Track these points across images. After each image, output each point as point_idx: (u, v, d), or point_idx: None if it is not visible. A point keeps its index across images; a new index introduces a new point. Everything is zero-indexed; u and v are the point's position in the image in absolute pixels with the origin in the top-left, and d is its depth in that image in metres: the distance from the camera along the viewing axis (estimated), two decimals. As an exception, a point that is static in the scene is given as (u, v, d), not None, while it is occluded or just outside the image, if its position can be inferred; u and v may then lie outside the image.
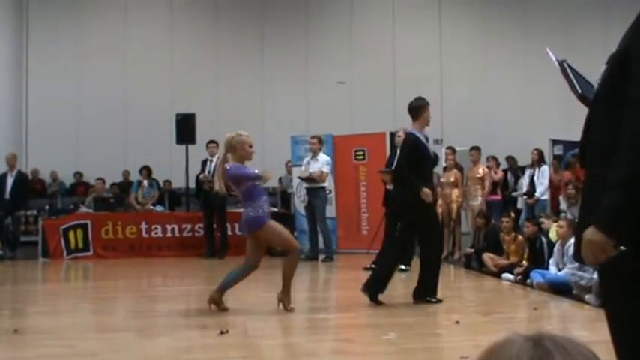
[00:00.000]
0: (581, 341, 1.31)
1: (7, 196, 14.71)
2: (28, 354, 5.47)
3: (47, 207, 16.12)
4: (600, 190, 2.45)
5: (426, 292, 7.69)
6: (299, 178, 13.92)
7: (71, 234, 14.11)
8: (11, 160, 15.05)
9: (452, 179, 13.17)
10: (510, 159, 16.10)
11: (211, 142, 14.38)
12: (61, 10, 20.25)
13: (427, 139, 8.18)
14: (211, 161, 14.19)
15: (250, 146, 7.54)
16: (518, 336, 1.29)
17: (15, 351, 5.62)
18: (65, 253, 14.02)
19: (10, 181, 14.82)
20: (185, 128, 15.07)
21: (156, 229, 14.35)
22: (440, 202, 13.30)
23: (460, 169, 13.75)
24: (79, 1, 20.39)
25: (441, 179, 13.38)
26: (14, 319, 7.07)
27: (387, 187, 11.25)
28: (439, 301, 7.62)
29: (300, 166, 14.59)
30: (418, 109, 8.15)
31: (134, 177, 17.00)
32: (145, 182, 15.52)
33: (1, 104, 18.74)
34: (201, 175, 14.36)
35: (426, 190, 7.63)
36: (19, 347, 5.73)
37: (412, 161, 7.83)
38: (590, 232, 2.42)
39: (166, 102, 18.74)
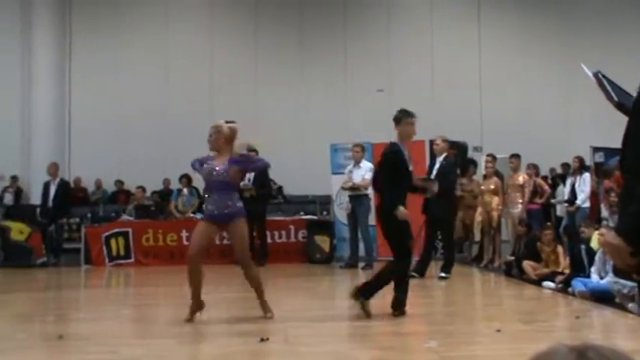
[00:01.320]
0: (625, 352, 1.31)
1: (50, 204, 14.96)
2: (72, 359, 5.55)
3: (89, 215, 16.34)
4: (628, 198, 2.53)
5: (394, 304, 7.42)
6: (342, 188, 13.90)
7: (113, 241, 14.27)
8: (52, 169, 15.31)
9: (492, 187, 13.08)
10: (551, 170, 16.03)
11: (251, 150, 14.43)
12: (102, 23, 20.51)
13: (407, 154, 7.86)
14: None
15: (210, 136, 7.38)
16: (562, 346, 1.30)
17: (60, 356, 5.71)
18: (107, 260, 14.18)
19: (52, 189, 15.06)
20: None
21: (195, 236, 14.44)
22: (480, 209, 13.24)
23: (500, 176, 13.65)
24: (121, 13, 20.64)
25: (481, 187, 13.31)
26: (59, 325, 7.17)
27: (427, 195, 11.21)
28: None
29: (340, 174, 14.63)
30: (396, 120, 7.99)
31: (174, 185, 17.14)
32: (185, 190, 15.65)
33: (45, 115, 19.05)
34: (242, 183, 14.42)
35: (402, 210, 7.48)
36: (64, 353, 5.82)
37: (393, 172, 7.63)
38: (610, 235, 2.54)
39: (206, 111, 18.86)
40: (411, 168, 7.75)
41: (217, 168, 7.16)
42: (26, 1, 19.70)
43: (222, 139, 7.24)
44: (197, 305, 7.24)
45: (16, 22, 19.95)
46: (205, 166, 7.24)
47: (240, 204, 7.36)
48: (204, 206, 7.39)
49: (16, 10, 19.99)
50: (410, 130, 7.93)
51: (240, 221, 7.29)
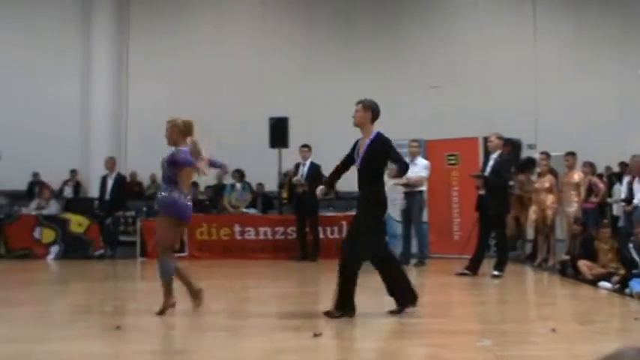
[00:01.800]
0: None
1: (108, 197, 15.24)
2: (130, 349, 5.67)
3: (145, 208, 16.55)
4: None
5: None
6: (396, 184, 13.87)
7: (168, 235, 14.44)
8: (109, 163, 15.58)
9: (546, 185, 12.92)
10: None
11: (304, 145, 14.55)
12: (159, 18, 20.82)
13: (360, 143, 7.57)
14: (304, 164, 14.38)
15: (166, 130, 7.54)
16: (629, 349, 1.29)
17: (118, 346, 5.82)
18: (162, 253, 14.38)
19: (110, 183, 15.33)
20: (278, 132, 15.26)
21: (249, 231, 14.57)
22: (534, 207, 13.09)
23: (555, 174, 13.47)
24: (177, 9, 20.89)
25: (535, 185, 13.16)
26: (116, 316, 7.32)
27: (480, 192, 11.15)
28: (341, 315, 6.96)
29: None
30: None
31: (227, 180, 17.29)
32: (238, 185, 15.78)
33: (103, 110, 19.42)
34: (294, 179, 14.51)
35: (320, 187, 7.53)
36: (121, 343, 5.95)
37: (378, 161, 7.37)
38: None
39: (259, 106, 18.98)
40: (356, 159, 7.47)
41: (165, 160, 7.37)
42: (87, 4, 20.09)
43: (176, 133, 7.41)
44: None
45: (77, 18, 20.36)
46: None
47: (173, 199, 7.26)
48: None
49: (77, 6, 20.39)
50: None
51: (160, 215, 7.38)
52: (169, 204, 7.26)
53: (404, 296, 7.26)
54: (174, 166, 7.26)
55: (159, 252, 7.48)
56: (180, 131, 7.42)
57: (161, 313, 7.24)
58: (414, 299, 7.23)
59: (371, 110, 7.36)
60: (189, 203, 7.37)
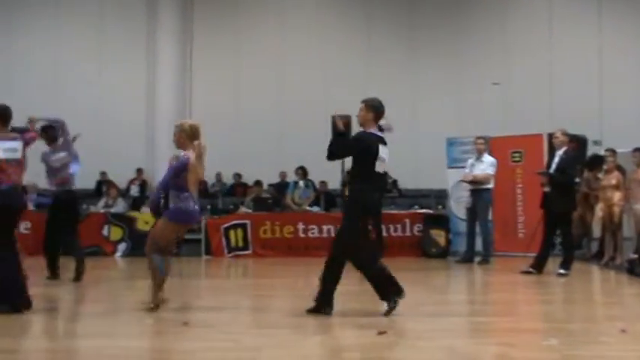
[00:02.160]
0: None
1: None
2: (197, 346, 5.75)
3: (209, 207, 16.76)
4: None
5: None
6: (461, 181, 13.80)
7: (232, 233, 14.65)
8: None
9: (613, 182, 12.66)
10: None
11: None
12: (222, 20, 21.07)
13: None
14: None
15: (174, 134, 7.71)
16: None
17: (185, 343, 5.92)
18: (226, 251, 14.57)
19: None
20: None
21: (312, 229, 14.64)
22: (601, 204, 12.86)
23: (622, 171, 13.20)
24: (239, 13, 21.10)
25: (602, 182, 12.92)
26: (183, 313, 7.44)
27: (545, 189, 11.00)
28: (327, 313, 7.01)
29: (456, 167, 14.57)
30: None
31: (290, 178, 17.40)
32: (301, 183, 15.87)
33: (167, 110, 19.71)
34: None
35: None
36: (188, 339, 6.04)
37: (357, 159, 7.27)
38: None
39: (321, 103, 19.05)
40: None
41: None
42: (152, 3, 20.43)
43: (184, 137, 7.55)
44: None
45: (142, 22, 20.74)
46: None
47: (185, 208, 7.45)
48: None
49: (142, 10, 20.77)
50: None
51: (166, 219, 7.49)
52: (180, 212, 7.43)
53: (390, 291, 7.14)
54: (178, 174, 7.39)
55: (150, 249, 7.58)
56: (187, 135, 7.59)
57: (154, 309, 7.36)
58: (401, 291, 7.10)
59: (374, 110, 7.34)
60: (197, 207, 7.59)
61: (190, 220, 7.64)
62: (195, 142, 7.56)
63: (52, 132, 10.02)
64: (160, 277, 7.54)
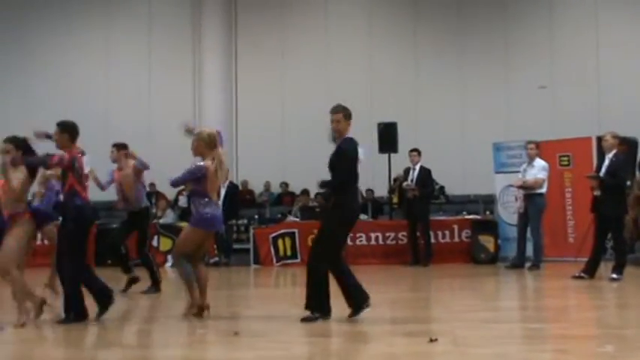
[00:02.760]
0: None
1: (221, 206, 15.55)
2: (248, 355, 5.78)
3: (256, 216, 16.88)
4: None
5: (309, 304, 7.13)
6: (511, 185, 13.71)
7: (280, 242, 14.71)
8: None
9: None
10: None
11: (413, 150, 14.54)
12: (266, 30, 21.19)
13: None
14: (414, 169, 14.38)
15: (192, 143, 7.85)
16: None
17: (236, 352, 5.96)
18: (274, 260, 14.63)
19: (222, 192, 15.65)
20: (387, 137, 15.29)
21: (360, 237, 14.61)
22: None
23: (675, 172, 12.98)
24: (283, 21, 21.21)
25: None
26: (232, 322, 7.47)
27: (595, 193, 10.84)
28: (316, 318, 7.05)
29: (504, 172, 14.48)
30: None
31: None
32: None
33: (214, 121, 19.77)
34: (404, 184, 14.50)
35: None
36: (239, 349, 6.08)
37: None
38: None
39: (367, 111, 19.05)
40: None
41: None
42: (197, 15, 20.70)
43: (202, 145, 7.68)
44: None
45: (188, 35, 21.01)
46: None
47: (208, 215, 7.65)
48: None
49: (188, 23, 21.05)
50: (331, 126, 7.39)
51: (193, 226, 7.75)
52: (202, 219, 7.60)
53: (357, 298, 7.18)
54: (198, 181, 7.56)
55: (177, 257, 7.82)
56: (205, 143, 7.71)
57: (197, 313, 7.53)
58: (367, 298, 7.16)
59: (350, 117, 7.31)
60: (218, 212, 7.75)
61: (213, 225, 7.79)
62: (215, 151, 7.69)
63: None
64: (190, 281, 7.65)
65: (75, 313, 7.22)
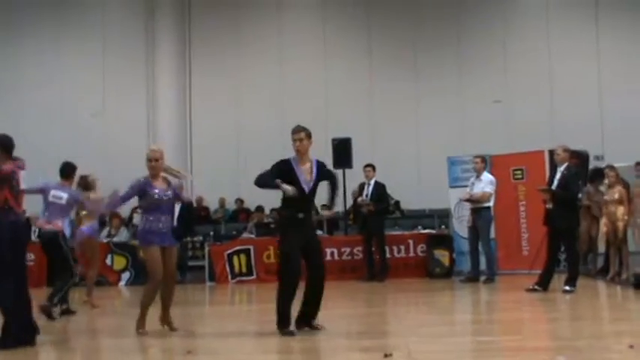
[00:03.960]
0: None
1: (175, 223, 15.39)
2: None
3: (212, 233, 16.74)
4: None
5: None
6: (460, 200, 13.85)
7: (235, 259, 14.63)
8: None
9: (616, 196, 12.60)
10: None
11: (368, 165, 14.57)
12: (220, 44, 21.09)
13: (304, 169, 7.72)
14: (369, 184, 14.39)
15: (149, 160, 8.24)
16: None
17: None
18: (230, 277, 14.54)
19: (177, 208, 15.50)
20: (342, 152, 15.30)
21: (315, 252, 14.55)
22: (604, 220, 12.81)
23: (626, 185, 13.15)
24: (238, 39, 21.11)
25: (605, 197, 12.87)
26: (186, 340, 7.39)
27: (547, 206, 10.97)
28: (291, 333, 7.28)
29: (458, 187, 14.57)
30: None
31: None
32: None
33: (169, 137, 19.71)
34: (359, 199, 14.52)
35: None
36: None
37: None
38: None
39: (321, 127, 19.05)
40: (303, 185, 7.59)
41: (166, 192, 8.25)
42: (150, 28, 20.57)
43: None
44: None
45: (141, 50, 20.82)
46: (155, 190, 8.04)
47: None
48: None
49: (140, 38, 20.88)
50: (294, 146, 7.73)
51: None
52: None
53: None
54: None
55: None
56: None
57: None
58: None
59: (310, 137, 7.74)
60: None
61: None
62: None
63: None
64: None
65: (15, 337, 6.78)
